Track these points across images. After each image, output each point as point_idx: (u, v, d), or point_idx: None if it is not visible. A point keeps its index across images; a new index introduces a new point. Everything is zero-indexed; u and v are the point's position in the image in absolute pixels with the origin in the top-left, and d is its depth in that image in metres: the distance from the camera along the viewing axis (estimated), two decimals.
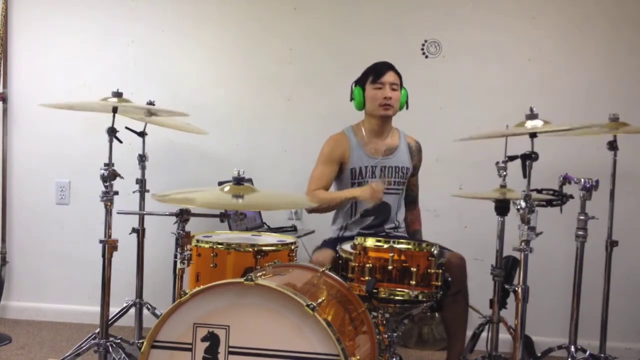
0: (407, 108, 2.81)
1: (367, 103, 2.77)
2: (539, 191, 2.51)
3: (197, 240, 2.43)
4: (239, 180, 2.05)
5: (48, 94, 3.45)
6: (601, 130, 2.74)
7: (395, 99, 2.73)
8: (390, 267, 2.04)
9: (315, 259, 2.56)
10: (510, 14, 3.34)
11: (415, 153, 2.90)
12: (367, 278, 2.05)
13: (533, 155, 2.03)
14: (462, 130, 2.42)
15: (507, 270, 2.54)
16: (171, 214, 2.13)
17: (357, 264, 2.11)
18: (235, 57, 3.50)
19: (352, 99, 2.80)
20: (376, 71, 2.75)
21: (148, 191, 3.01)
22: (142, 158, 3.02)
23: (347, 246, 2.32)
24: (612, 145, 2.79)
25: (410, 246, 2.08)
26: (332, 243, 2.69)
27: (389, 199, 2.79)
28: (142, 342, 1.79)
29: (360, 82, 2.78)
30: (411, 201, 2.97)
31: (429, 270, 2.07)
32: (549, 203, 2.49)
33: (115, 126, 2.46)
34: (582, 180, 2.54)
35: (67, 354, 2.57)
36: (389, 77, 2.72)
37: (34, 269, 3.58)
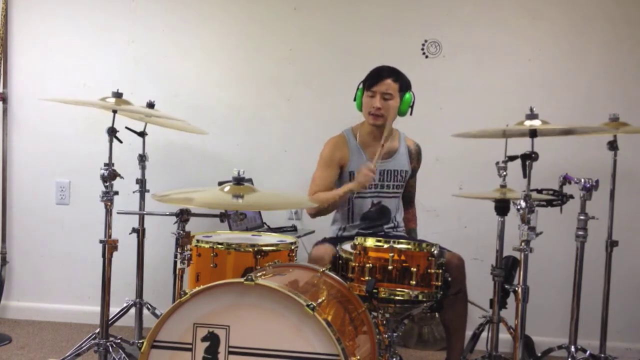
0: (410, 114, 2.76)
1: (362, 108, 2.76)
2: (539, 191, 2.51)
3: (197, 240, 2.43)
4: (239, 180, 2.05)
5: (48, 94, 3.44)
6: (601, 130, 2.74)
7: (387, 108, 2.68)
8: (390, 267, 2.05)
9: (314, 253, 2.55)
10: (510, 14, 3.34)
11: (415, 156, 2.90)
12: (367, 278, 2.05)
13: (533, 155, 2.03)
14: (462, 130, 2.42)
15: (507, 270, 2.54)
16: (171, 214, 2.13)
17: (357, 264, 2.11)
18: (235, 57, 3.50)
19: (355, 98, 2.79)
20: (372, 78, 2.71)
21: (148, 191, 3.00)
22: (142, 158, 3.01)
23: (347, 246, 2.32)
24: (612, 145, 2.79)
25: (410, 246, 2.08)
26: (332, 240, 2.69)
27: (388, 202, 2.79)
28: (142, 342, 1.79)
29: (363, 84, 2.76)
30: (408, 201, 2.98)
31: (429, 270, 2.07)
32: (549, 203, 2.49)
33: (115, 126, 2.47)
34: (582, 180, 2.55)
35: (67, 354, 2.58)
36: (382, 86, 2.67)
37: (34, 269, 3.58)
